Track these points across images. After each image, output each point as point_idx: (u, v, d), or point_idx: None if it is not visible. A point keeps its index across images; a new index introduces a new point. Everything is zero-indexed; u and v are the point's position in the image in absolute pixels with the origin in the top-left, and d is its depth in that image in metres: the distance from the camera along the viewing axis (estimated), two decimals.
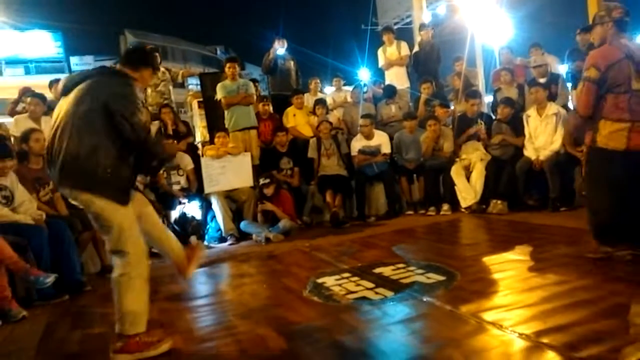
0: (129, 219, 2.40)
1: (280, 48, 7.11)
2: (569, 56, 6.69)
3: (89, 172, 2.31)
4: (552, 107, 5.39)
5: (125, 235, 2.36)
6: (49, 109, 5.82)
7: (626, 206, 3.08)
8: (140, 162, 2.53)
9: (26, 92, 6.12)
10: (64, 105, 2.43)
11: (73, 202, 2.48)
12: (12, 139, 5.20)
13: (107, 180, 2.33)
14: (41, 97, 5.56)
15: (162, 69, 6.99)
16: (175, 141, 5.74)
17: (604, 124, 3.10)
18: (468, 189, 5.59)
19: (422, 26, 8.13)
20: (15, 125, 5.27)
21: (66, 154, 2.31)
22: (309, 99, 7.23)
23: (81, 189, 2.34)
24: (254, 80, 7.36)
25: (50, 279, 3.45)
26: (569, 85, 6.44)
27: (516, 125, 5.63)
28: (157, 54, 2.78)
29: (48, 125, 5.06)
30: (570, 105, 6.07)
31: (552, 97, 5.73)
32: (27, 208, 3.98)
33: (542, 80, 5.92)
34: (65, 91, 2.47)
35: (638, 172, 3.06)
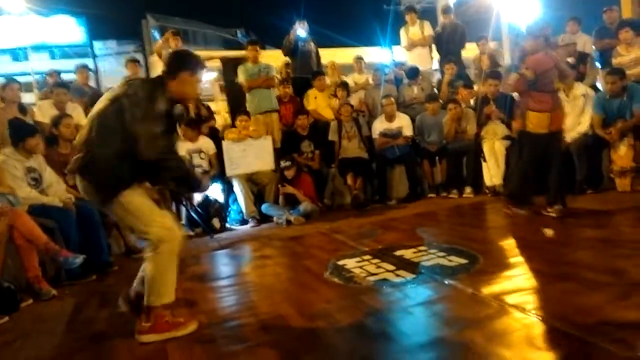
0: (138, 210, 2.38)
1: (300, 30, 7.05)
2: (597, 34, 6.48)
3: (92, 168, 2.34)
4: (580, 88, 5.25)
5: (144, 229, 2.38)
6: (79, 94, 5.96)
7: (532, 175, 4.26)
8: (154, 175, 2.45)
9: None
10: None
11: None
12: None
13: (104, 179, 2.34)
14: (66, 86, 5.67)
15: None
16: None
17: (531, 114, 4.12)
18: (497, 168, 5.51)
19: (445, 10, 7.93)
20: (39, 111, 5.38)
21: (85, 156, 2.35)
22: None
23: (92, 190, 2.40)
24: (288, 64, 7.31)
25: (79, 259, 3.54)
26: (598, 64, 6.24)
27: None
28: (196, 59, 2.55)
29: (75, 112, 5.18)
30: (599, 85, 5.89)
31: (580, 77, 5.57)
32: (56, 190, 4.09)
33: (569, 60, 5.75)
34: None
35: (555, 147, 4.20)
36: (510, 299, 2.38)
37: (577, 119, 5.18)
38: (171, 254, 2.41)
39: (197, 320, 2.54)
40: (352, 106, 6.46)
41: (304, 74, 7.13)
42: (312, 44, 7.30)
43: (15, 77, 5.70)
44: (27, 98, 7.48)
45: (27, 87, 9.83)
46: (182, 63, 2.48)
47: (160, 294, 2.40)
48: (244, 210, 5.69)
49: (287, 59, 7.28)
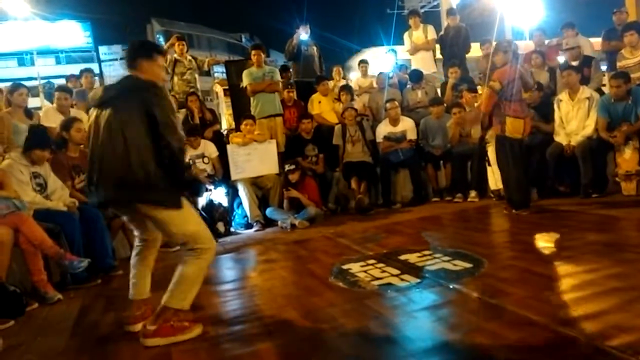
0: (188, 219, 2.42)
1: (303, 34, 7.06)
2: (605, 36, 6.45)
3: (140, 183, 2.29)
4: (585, 91, 5.24)
5: (191, 237, 2.41)
6: (83, 98, 5.99)
7: (524, 178, 4.65)
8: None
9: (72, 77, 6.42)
10: (101, 120, 2.36)
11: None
12: None
13: (158, 186, 2.32)
14: (69, 91, 5.71)
15: (188, 57, 7.06)
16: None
17: (509, 120, 4.50)
18: None
19: (449, 11, 7.94)
20: (44, 116, 5.40)
21: (114, 170, 2.30)
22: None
23: (138, 202, 2.36)
24: (286, 68, 7.34)
25: (84, 263, 3.55)
26: (604, 67, 6.22)
27: (545, 111, 5.47)
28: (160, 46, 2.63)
29: (78, 116, 5.19)
30: (605, 89, 5.87)
31: (584, 81, 5.56)
32: (60, 195, 4.11)
33: (574, 63, 5.75)
34: (101, 103, 2.41)
35: (531, 150, 4.82)
36: (514, 304, 2.38)
37: (582, 122, 5.16)
38: (208, 264, 2.47)
39: (202, 324, 2.54)
40: (356, 110, 6.46)
41: (306, 77, 7.15)
42: (314, 48, 7.33)
43: (22, 82, 5.73)
44: (33, 102, 7.50)
45: (34, 92, 9.94)
46: (137, 52, 2.50)
47: (183, 298, 2.42)
48: (248, 214, 5.70)
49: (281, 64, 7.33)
